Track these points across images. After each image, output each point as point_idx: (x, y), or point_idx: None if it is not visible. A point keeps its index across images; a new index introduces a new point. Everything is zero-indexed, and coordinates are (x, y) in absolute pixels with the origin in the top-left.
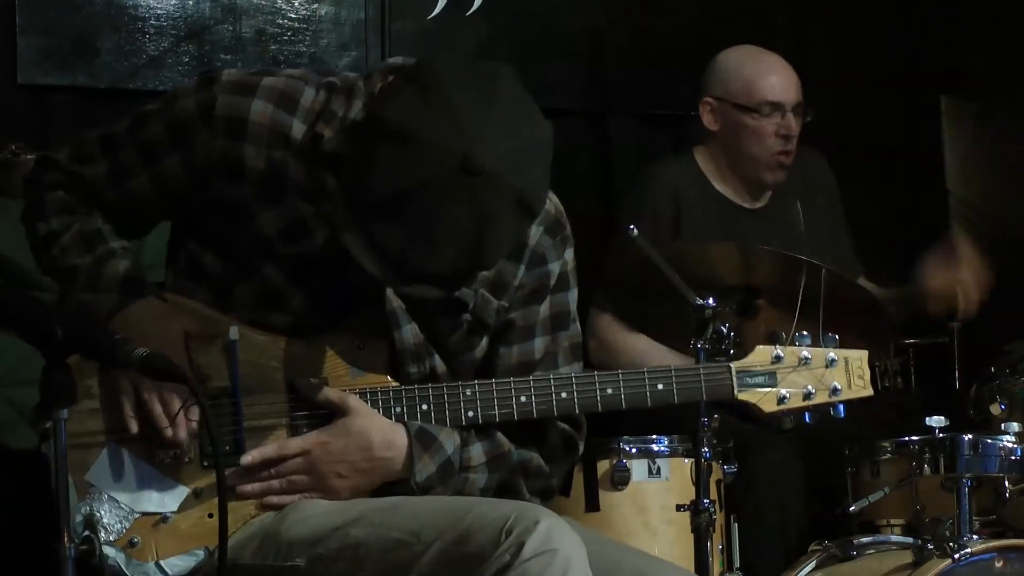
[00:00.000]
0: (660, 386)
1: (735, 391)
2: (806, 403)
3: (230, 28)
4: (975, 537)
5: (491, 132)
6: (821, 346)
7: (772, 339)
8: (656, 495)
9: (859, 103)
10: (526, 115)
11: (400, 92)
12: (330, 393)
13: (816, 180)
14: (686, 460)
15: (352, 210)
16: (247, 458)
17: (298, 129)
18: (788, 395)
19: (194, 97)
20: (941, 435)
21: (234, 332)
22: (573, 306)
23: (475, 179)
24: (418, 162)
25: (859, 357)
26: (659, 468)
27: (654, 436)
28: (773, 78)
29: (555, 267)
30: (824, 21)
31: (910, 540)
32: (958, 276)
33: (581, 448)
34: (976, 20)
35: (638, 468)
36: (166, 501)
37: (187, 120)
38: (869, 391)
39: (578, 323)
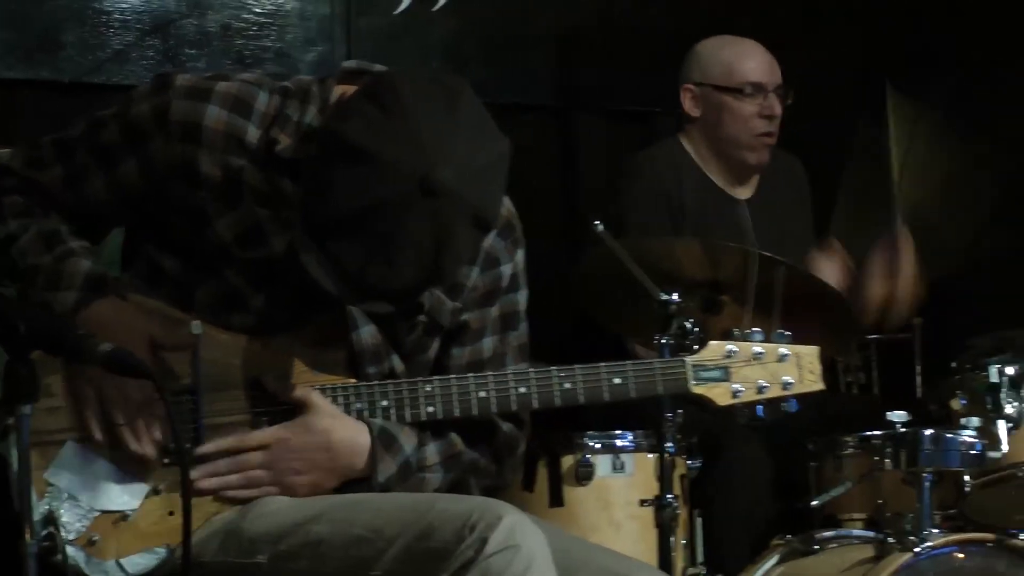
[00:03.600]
0: (617, 380)
1: (690, 384)
2: (759, 396)
3: (195, 23)
4: (936, 531)
5: (451, 152)
6: (773, 342)
7: (726, 335)
8: (620, 490)
9: (826, 103)
10: (485, 133)
11: (360, 110)
12: (293, 389)
13: (792, 183)
14: (650, 455)
15: (309, 227)
16: (204, 448)
17: (253, 134)
18: (742, 389)
19: (148, 102)
20: (903, 430)
21: (196, 327)
22: (523, 306)
23: (434, 199)
24: (377, 182)
25: (810, 352)
26: (623, 463)
27: (618, 431)
28: (753, 60)
29: (507, 269)
30: (791, 21)
31: (872, 534)
32: (896, 285)
33: (524, 446)
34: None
35: (602, 463)
36: (126, 499)
37: (142, 125)
38: (820, 385)
39: (526, 323)
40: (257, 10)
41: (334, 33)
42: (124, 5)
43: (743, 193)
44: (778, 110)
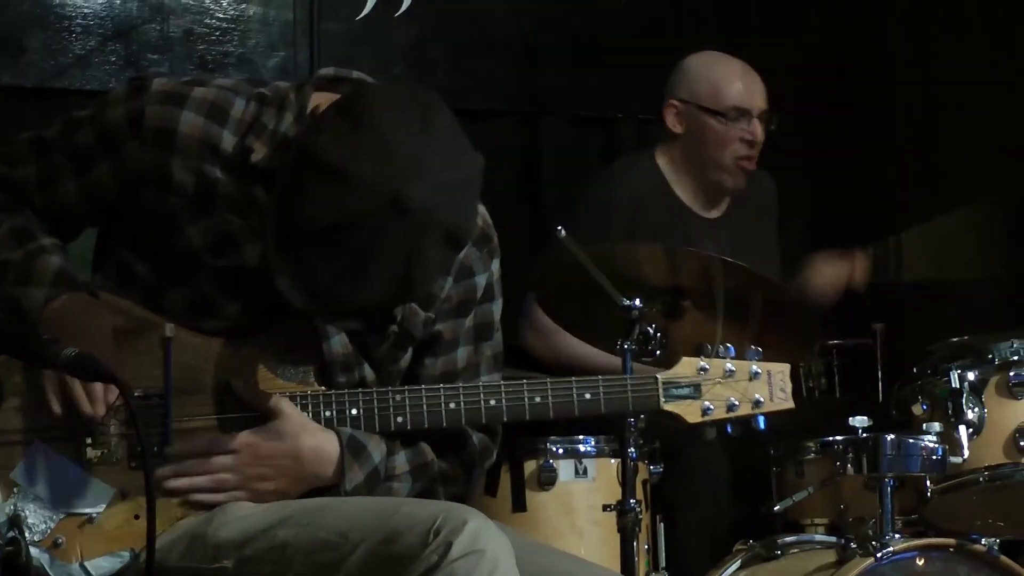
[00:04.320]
0: (587, 395)
1: (661, 402)
2: (729, 415)
3: (157, 28)
4: (897, 536)
5: (424, 169)
6: (745, 359)
7: (698, 350)
8: (583, 495)
9: (793, 106)
10: (458, 150)
11: (332, 125)
12: (263, 396)
13: (763, 201)
14: (612, 460)
15: (279, 242)
16: (174, 448)
17: (228, 141)
18: (712, 407)
19: (123, 106)
20: (864, 435)
21: (170, 329)
22: (497, 316)
23: (406, 216)
24: (349, 199)
25: (782, 370)
26: (586, 468)
27: (581, 436)
28: (741, 84)
29: (482, 279)
30: (759, 24)
31: (833, 539)
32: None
33: (495, 457)
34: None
35: (565, 468)
36: (92, 501)
37: (116, 129)
38: (790, 404)
39: (500, 333)
40: (219, 15)
41: (296, 38)
42: (87, 10)
43: (712, 214)
44: (760, 136)
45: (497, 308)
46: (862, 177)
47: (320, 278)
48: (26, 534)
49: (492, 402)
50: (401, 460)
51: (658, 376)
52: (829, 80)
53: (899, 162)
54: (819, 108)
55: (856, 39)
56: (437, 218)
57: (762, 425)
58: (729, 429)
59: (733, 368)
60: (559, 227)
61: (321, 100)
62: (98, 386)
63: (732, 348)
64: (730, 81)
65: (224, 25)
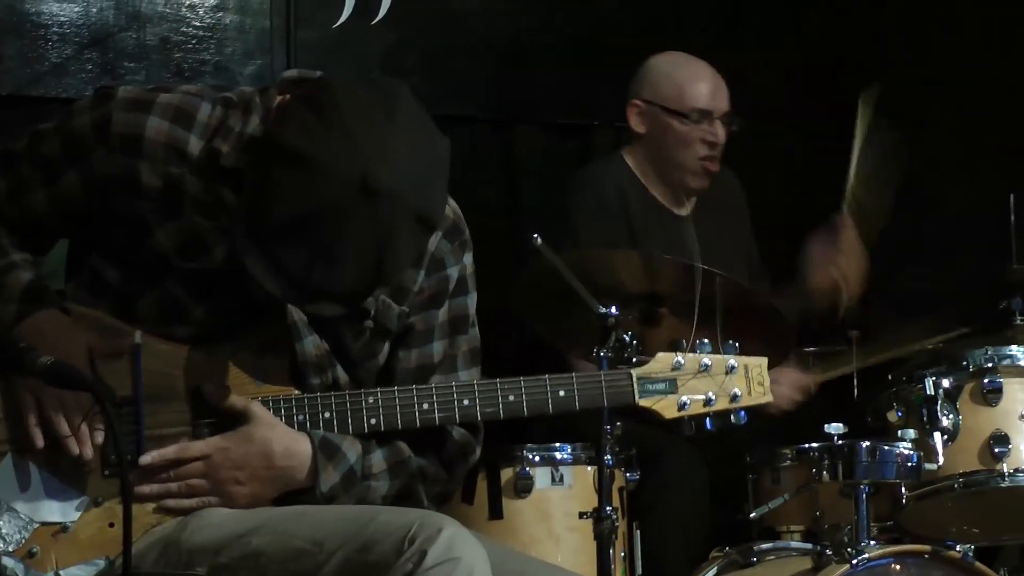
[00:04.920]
0: (562, 393)
1: (636, 397)
2: (707, 409)
3: (134, 36)
4: (873, 543)
5: (390, 152)
6: (721, 353)
7: (673, 346)
8: (559, 502)
9: (763, 114)
10: (424, 132)
11: (297, 115)
12: (234, 400)
13: (728, 199)
14: (589, 468)
15: (252, 232)
16: (146, 458)
17: (195, 145)
18: (688, 401)
19: (90, 115)
20: (840, 442)
21: (138, 336)
22: (472, 310)
23: (375, 199)
24: (318, 185)
25: (759, 364)
26: (562, 476)
27: (557, 444)
28: (704, 85)
29: (454, 272)
30: (732, 30)
31: (809, 546)
32: (839, 265)
33: (478, 453)
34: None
35: (541, 476)
36: (66, 510)
37: (83, 137)
38: (769, 397)
39: (477, 327)
40: (196, 23)
41: (273, 46)
42: (63, 18)
43: (683, 211)
44: (722, 138)
45: (472, 301)
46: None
47: (294, 265)
48: (1, 544)
49: (466, 402)
50: (378, 458)
51: (632, 372)
52: (822, 86)
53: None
54: (809, 112)
55: (836, 54)
56: (406, 200)
57: (744, 419)
58: (709, 425)
59: (709, 362)
60: (535, 235)
61: (284, 101)
62: (72, 394)
63: (708, 343)
64: (693, 82)
65: (201, 33)
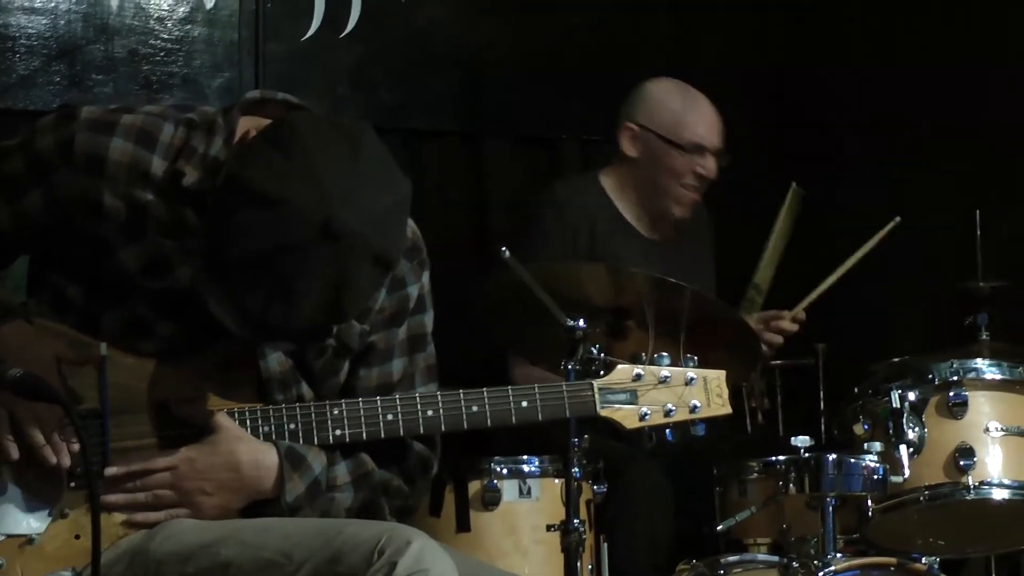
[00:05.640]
0: (524, 403)
1: (597, 408)
2: (667, 420)
3: (102, 48)
4: (839, 555)
5: (354, 195)
6: (680, 366)
7: (633, 359)
8: (527, 515)
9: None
10: (386, 175)
11: (261, 154)
12: (200, 411)
13: (697, 229)
14: (556, 480)
15: (212, 267)
16: (112, 469)
17: (158, 165)
18: (649, 412)
19: (53, 134)
20: (806, 455)
21: (103, 348)
22: (429, 328)
23: (337, 242)
24: (279, 226)
25: (717, 376)
26: (530, 488)
27: (525, 456)
28: (703, 119)
29: (413, 290)
30: (704, 46)
31: (776, 559)
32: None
33: (436, 468)
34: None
35: (509, 488)
36: (32, 523)
37: (46, 157)
38: (727, 409)
39: (433, 344)
40: (164, 36)
41: (242, 59)
42: (31, 30)
43: (653, 235)
44: (714, 173)
45: (429, 320)
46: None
47: (251, 302)
48: None
49: (430, 412)
50: (342, 470)
51: (594, 382)
52: (773, 104)
53: (846, 179)
54: (764, 130)
55: (802, 68)
56: (367, 243)
57: (702, 431)
58: (670, 436)
59: (668, 374)
60: (503, 248)
61: (249, 123)
62: (41, 406)
63: (667, 356)
64: (692, 115)
65: (169, 46)
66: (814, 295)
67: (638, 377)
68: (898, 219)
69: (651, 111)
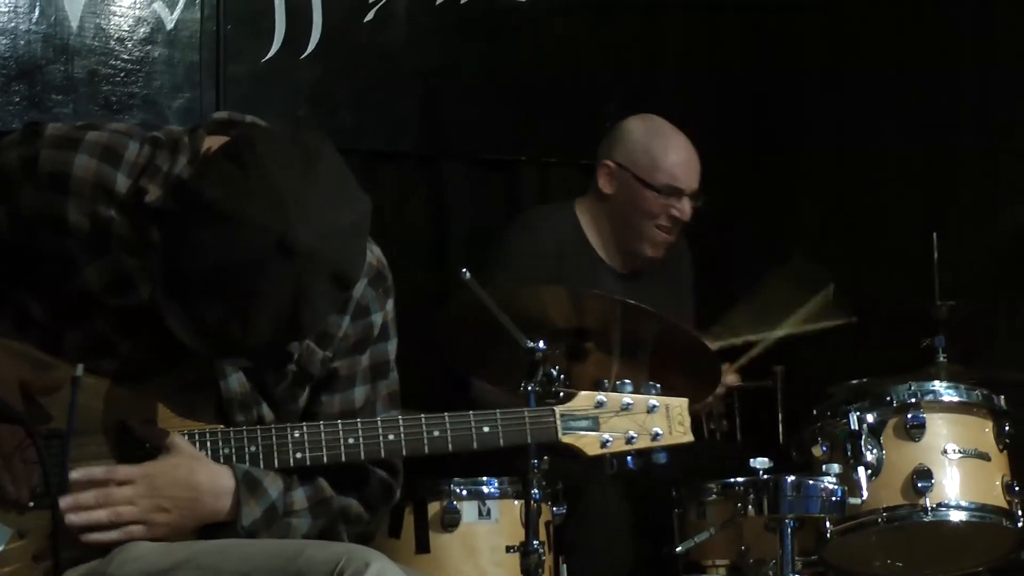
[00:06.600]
0: (486, 428)
1: (559, 434)
2: (628, 447)
3: (62, 68)
4: None
5: (311, 211)
6: (642, 393)
7: (596, 385)
8: (486, 537)
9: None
10: (344, 192)
11: (219, 169)
12: (159, 433)
13: (676, 267)
14: (516, 502)
15: (169, 282)
16: (75, 474)
17: (122, 183)
18: (611, 439)
19: (17, 151)
20: (765, 477)
21: (80, 369)
22: (392, 355)
23: (293, 258)
24: (236, 242)
25: (679, 404)
26: (489, 510)
27: (484, 478)
28: (680, 162)
29: (378, 318)
30: (663, 78)
31: None
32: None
33: (398, 494)
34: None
35: (468, 510)
36: None
37: (10, 174)
38: (689, 437)
39: (396, 371)
40: (124, 57)
41: (202, 80)
42: None
43: (625, 270)
44: (688, 215)
45: (392, 347)
46: (769, 204)
47: (209, 318)
48: None
49: (391, 436)
50: (299, 496)
51: (556, 408)
52: (745, 122)
53: (810, 187)
54: (736, 147)
55: (773, 81)
56: (324, 259)
57: (663, 459)
58: (631, 463)
59: (631, 401)
60: (464, 269)
61: (214, 143)
62: (2, 427)
63: (630, 383)
64: (669, 157)
65: (129, 67)
66: (744, 360)
67: (600, 404)
68: (832, 286)
69: (628, 150)
